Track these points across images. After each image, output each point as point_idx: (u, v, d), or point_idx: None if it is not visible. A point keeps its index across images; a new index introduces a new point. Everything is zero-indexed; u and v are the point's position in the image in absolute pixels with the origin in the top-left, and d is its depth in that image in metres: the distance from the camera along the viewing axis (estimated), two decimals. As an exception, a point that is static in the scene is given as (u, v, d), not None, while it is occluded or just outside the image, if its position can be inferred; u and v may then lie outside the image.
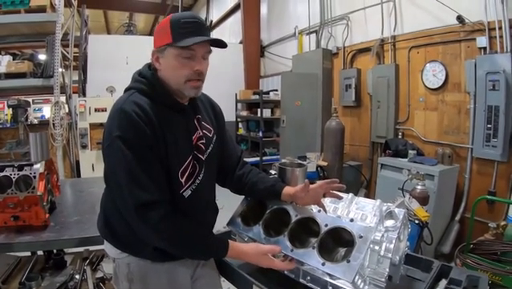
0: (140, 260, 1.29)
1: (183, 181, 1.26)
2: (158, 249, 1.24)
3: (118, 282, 1.36)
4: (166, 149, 1.20)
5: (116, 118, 1.17)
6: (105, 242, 1.38)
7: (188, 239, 1.21)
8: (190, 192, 1.29)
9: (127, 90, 1.29)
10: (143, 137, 1.15)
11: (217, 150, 1.45)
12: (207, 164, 1.36)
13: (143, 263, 1.29)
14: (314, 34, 5.98)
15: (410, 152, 3.92)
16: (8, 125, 6.71)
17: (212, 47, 1.25)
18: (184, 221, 1.22)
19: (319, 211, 1.31)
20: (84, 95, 6.69)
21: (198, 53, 1.20)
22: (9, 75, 5.16)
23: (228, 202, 1.50)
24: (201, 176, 1.33)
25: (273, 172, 1.85)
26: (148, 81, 1.25)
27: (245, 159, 1.64)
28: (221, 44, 1.25)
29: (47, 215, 1.85)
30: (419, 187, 2.71)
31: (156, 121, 1.18)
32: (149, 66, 1.30)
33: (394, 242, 1.12)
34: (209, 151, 1.38)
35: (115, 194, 1.24)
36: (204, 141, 1.35)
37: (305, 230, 1.32)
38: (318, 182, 1.39)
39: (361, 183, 5.03)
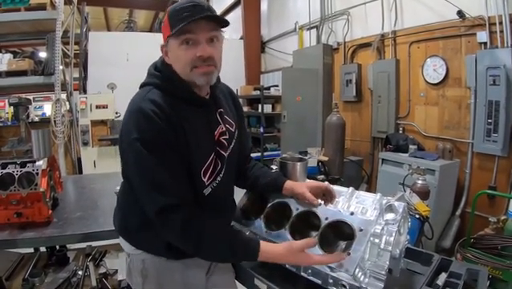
0: (155, 257, 1.27)
1: (205, 180, 1.22)
2: (173, 247, 1.19)
3: (131, 277, 1.34)
4: (188, 148, 1.15)
5: (134, 118, 1.12)
6: (120, 237, 1.37)
7: (212, 245, 1.14)
8: (210, 189, 1.26)
9: (143, 85, 1.24)
10: (163, 138, 1.09)
11: (238, 145, 1.40)
12: (229, 161, 1.32)
13: (157, 260, 1.27)
14: (315, 29, 5.97)
15: (411, 147, 3.93)
16: (9, 123, 6.74)
17: (222, 29, 1.18)
18: (209, 225, 1.14)
19: (320, 205, 1.32)
20: (85, 92, 6.69)
21: (200, 37, 1.12)
22: (10, 73, 5.16)
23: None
24: (222, 173, 1.29)
25: (274, 167, 1.86)
26: (163, 75, 1.20)
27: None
28: (220, 21, 1.16)
29: (50, 211, 1.85)
30: (419, 182, 2.71)
31: (176, 119, 1.12)
32: (164, 59, 1.24)
33: (394, 235, 1.12)
34: (231, 147, 1.33)
35: (138, 197, 1.18)
36: (227, 137, 1.30)
37: (306, 224, 1.32)
38: (320, 182, 1.40)
39: (362, 178, 5.04)
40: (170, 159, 1.11)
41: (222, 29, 1.19)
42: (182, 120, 1.14)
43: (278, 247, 1.15)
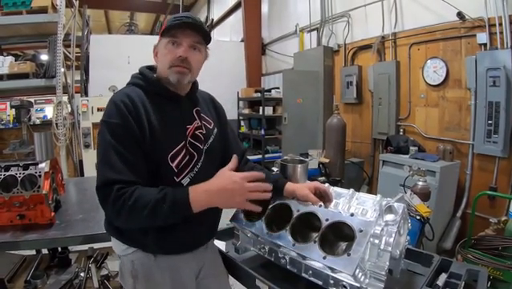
0: (144, 257, 1.31)
1: (174, 165, 1.27)
2: (159, 241, 1.26)
3: (123, 278, 1.38)
4: (152, 135, 1.24)
5: (107, 107, 1.27)
6: (112, 238, 1.40)
7: (143, 201, 1.14)
8: (189, 180, 1.32)
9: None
10: (125, 123, 1.20)
11: (219, 143, 1.47)
12: (208, 155, 1.39)
13: (146, 260, 1.31)
14: (315, 31, 5.99)
15: (411, 148, 3.94)
16: (11, 125, 6.76)
17: (210, 44, 1.35)
18: (143, 188, 1.17)
19: (320, 206, 1.33)
20: (86, 94, 6.72)
21: (184, 41, 1.28)
22: (11, 76, 5.18)
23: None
24: (199, 164, 1.35)
25: (275, 169, 1.87)
26: (143, 76, 1.35)
27: (248, 157, 1.67)
28: (203, 34, 1.32)
29: (53, 213, 1.87)
30: (420, 183, 2.72)
31: (143, 109, 1.25)
32: (149, 67, 1.40)
33: (394, 235, 1.13)
34: (210, 142, 1.42)
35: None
36: (203, 131, 1.39)
37: (306, 225, 1.33)
38: (320, 184, 1.42)
39: (363, 180, 5.05)
40: (128, 144, 1.20)
41: (208, 46, 1.38)
42: (150, 110, 1.27)
43: (209, 185, 1.21)
